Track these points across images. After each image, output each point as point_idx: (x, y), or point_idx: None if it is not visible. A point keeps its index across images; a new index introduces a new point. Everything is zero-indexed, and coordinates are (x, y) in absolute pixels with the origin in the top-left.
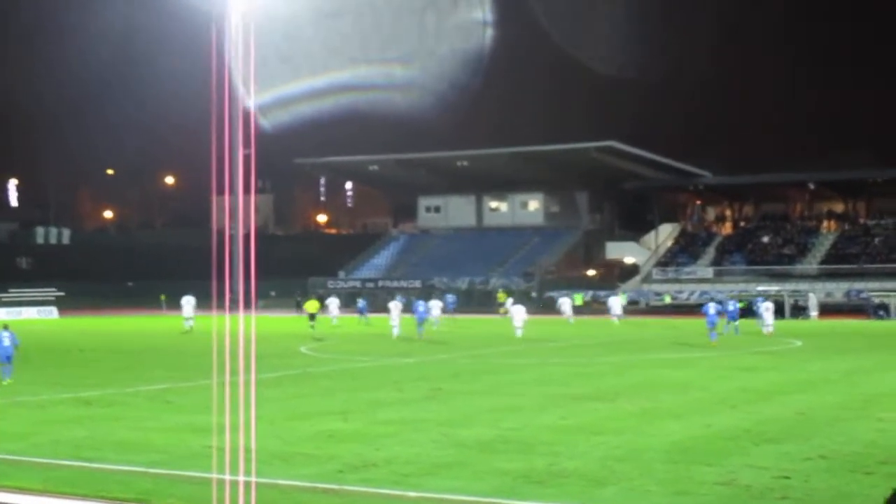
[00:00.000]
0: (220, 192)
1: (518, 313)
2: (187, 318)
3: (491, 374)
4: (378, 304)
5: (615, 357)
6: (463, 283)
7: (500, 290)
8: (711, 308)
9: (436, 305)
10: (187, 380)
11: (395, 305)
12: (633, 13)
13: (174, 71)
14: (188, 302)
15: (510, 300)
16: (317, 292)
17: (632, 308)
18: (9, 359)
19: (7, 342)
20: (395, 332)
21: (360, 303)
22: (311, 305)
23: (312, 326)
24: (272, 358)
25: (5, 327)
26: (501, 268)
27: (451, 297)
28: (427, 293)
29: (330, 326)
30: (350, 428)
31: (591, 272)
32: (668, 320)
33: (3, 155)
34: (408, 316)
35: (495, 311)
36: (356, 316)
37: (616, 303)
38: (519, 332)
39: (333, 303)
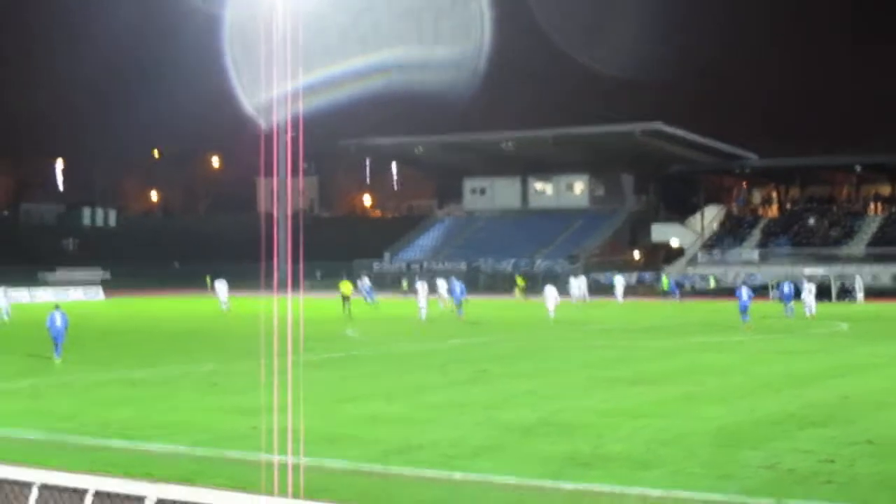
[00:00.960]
0: (267, 174)
1: (551, 295)
2: (223, 301)
3: (534, 357)
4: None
5: (658, 341)
6: (507, 266)
7: (518, 274)
8: (744, 293)
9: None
10: (232, 361)
11: (421, 286)
12: None
13: (220, 53)
14: (222, 284)
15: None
16: (363, 274)
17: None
18: (60, 338)
19: (59, 322)
20: (423, 313)
21: (365, 284)
22: (345, 287)
23: (346, 308)
24: (317, 340)
25: (57, 307)
26: (546, 250)
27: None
28: (473, 276)
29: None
30: (394, 410)
31: (636, 255)
32: (713, 303)
33: (50, 137)
34: (433, 297)
35: (512, 294)
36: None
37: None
38: (551, 314)
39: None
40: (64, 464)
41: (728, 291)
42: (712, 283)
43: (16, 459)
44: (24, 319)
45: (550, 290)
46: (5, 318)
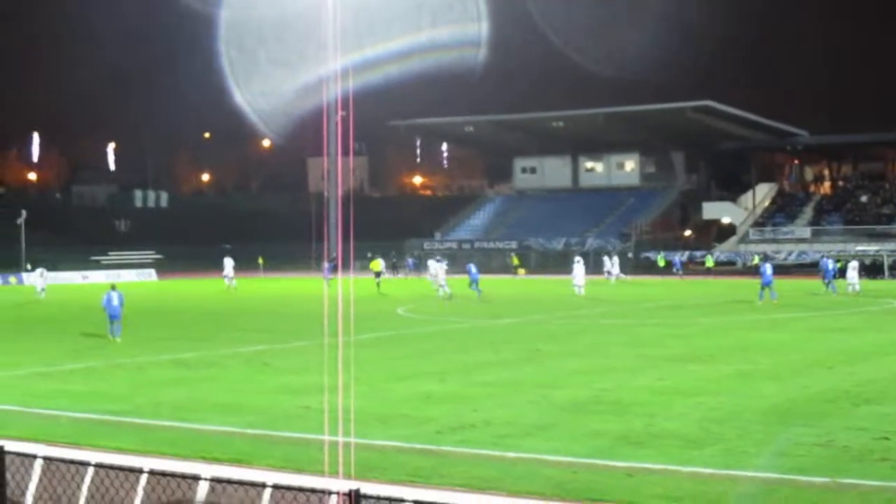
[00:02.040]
0: (318, 154)
1: (579, 272)
2: (229, 278)
3: (586, 335)
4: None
5: (708, 318)
6: (558, 244)
7: (513, 255)
8: (768, 268)
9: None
10: (283, 342)
11: (440, 266)
12: None
13: (268, 35)
14: (228, 263)
15: (577, 258)
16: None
17: (728, 269)
18: (118, 318)
19: (116, 301)
20: (443, 290)
21: (409, 262)
22: (375, 264)
23: (378, 284)
24: (368, 319)
25: (113, 287)
26: (597, 228)
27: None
28: (524, 255)
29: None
30: (447, 389)
31: (687, 232)
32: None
33: (102, 119)
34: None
35: (513, 273)
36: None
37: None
38: (580, 291)
39: (410, 263)
40: (118, 444)
41: (782, 269)
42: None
43: (71, 440)
44: (77, 300)
45: (579, 269)
46: (41, 296)
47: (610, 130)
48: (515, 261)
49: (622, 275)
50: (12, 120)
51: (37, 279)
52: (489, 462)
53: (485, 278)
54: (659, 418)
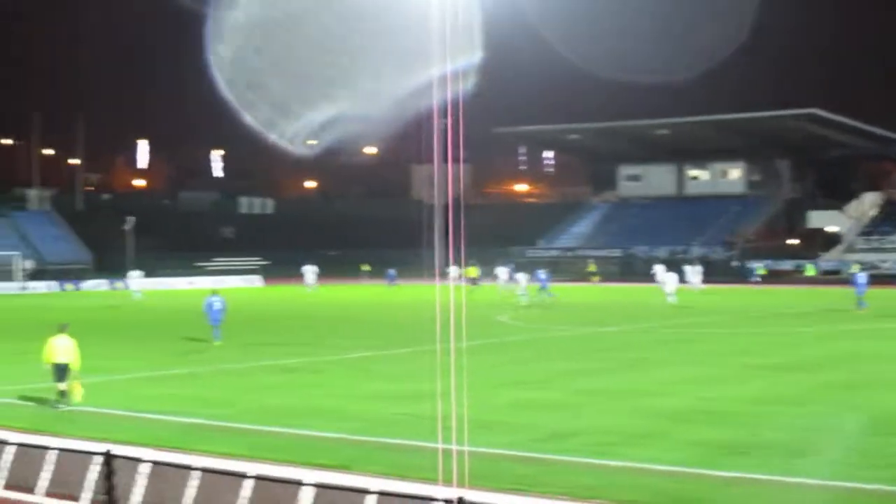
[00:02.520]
0: (422, 161)
1: (671, 281)
2: (310, 286)
3: (690, 344)
4: (579, 274)
5: (811, 327)
6: (663, 252)
7: (591, 262)
8: (861, 277)
9: None
10: (387, 348)
11: (522, 275)
12: None
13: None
14: (310, 271)
15: (662, 267)
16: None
17: (832, 278)
18: (219, 322)
19: (218, 306)
20: (524, 299)
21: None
22: (471, 271)
23: (473, 292)
24: (471, 327)
25: (214, 293)
26: (702, 237)
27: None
28: (626, 263)
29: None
30: (550, 397)
31: (792, 241)
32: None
33: (208, 127)
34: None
35: (588, 280)
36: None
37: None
38: (671, 299)
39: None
40: (223, 449)
41: (886, 278)
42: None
43: (177, 444)
44: (182, 306)
45: (670, 276)
46: (135, 298)
47: (715, 138)
48: (592, 267)
49: (702, 285)
50: (120, 127)
51: (132, 283)
52: (591, 470)
53: (566, 286)
54: (763, 428)
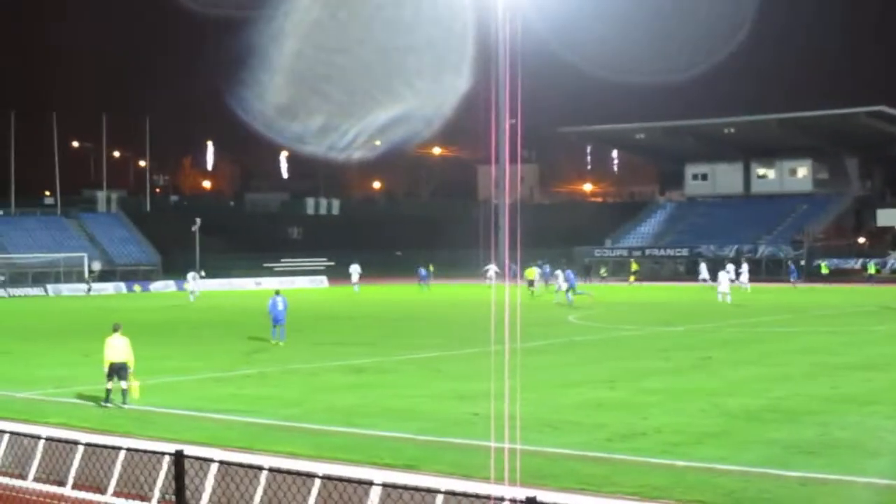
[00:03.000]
0: (488, 161)
1: (724, 280)
2: (354, 284)
3: (758, 343)
4: (646, 273)
5: (882, 325)
6: (730, 251)
7: (633, 260)
8: None
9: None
10: (455, 348)
11: (561, 273)
12: None
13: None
14: (355, 270)
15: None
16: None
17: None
18: (282, 322)
19: (280, 306)
20: (568, 297)
21: (422, 272)
22: (530, 272)
23: (532, 293)
24: (539, 326)
25: (277, 293)
26: (769, 235)
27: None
28: (693, 262)
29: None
30: (617, 396)
31: (860, 239)
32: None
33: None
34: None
35: (626, 279)
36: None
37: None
38: (725, 298)
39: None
40: (291, 449)
41: None
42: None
43: (246, 444)
44: (250, 307)
45: (724, 275)
46: (192, 299)
47: (782, 136)
48: (634, 266)
49: (747, 284)
50: (188, 129)
51: (190, 283)
52: (660, 470)
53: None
54: (833, 427)
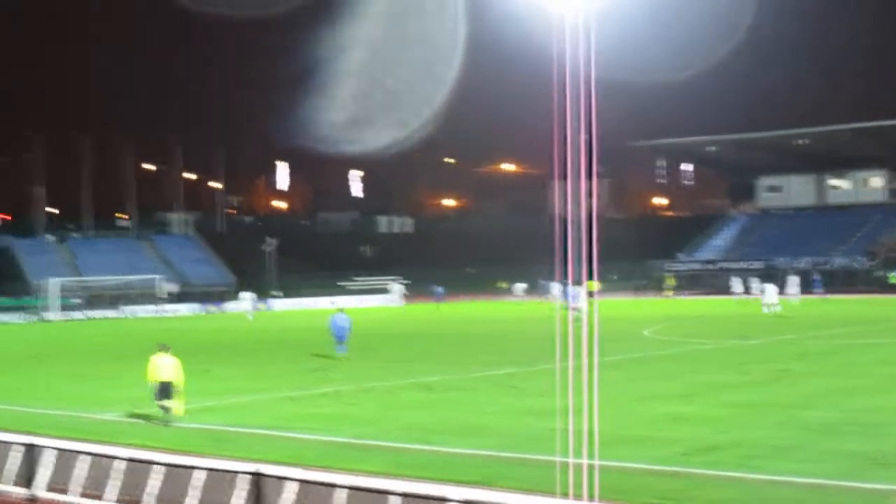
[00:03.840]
0: (560, 177)
1: (770, 292)
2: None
3: (835, 355)
4: (720, 286)
5: None
6: (804, 263)
7: (669, 275)
8: None
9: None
10: (530, 364)
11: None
12: None
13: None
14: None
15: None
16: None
17: None
18: (344, 338)
19: (342, 323)
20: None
21: (438, 290)
22: (591, 285)
23: (589, 303)
24: (614, 341)
25: (340, 310)
26: (843, 247)
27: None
28: (767, 274)
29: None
30: (694, 410)
31: None
32: None
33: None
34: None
35: (663, 293)
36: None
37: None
38: (770, 310)
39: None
40: (369, 467)
41: None
42: None
43: (323, 463)
44: (323, 326)
45: (771, 288)
46: (250, 318)
47: (856, 146)
48: (671, 281)
49: (796, 297)
50: (261, 150)
51: (246, 304)
52: (737, 484)
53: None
54: None
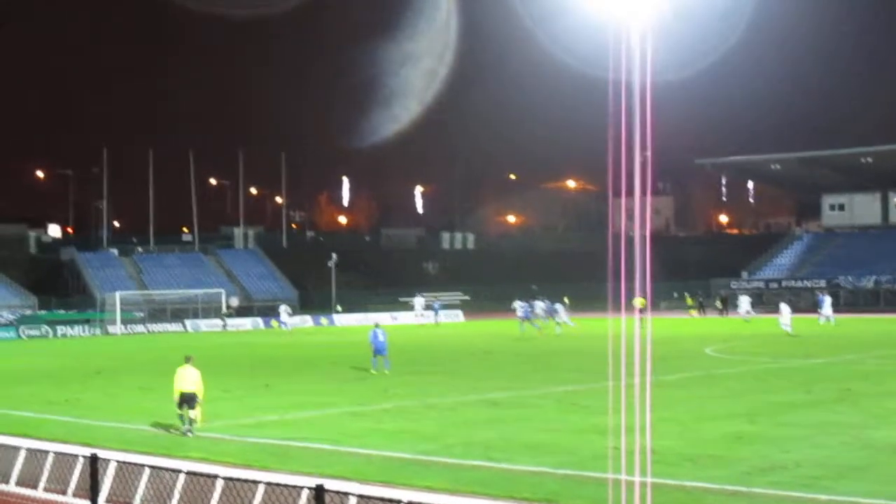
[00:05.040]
0: (619, 195)
1: (785, 312)
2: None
3: (894, 375)
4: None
5: None
6: (869, 282)
7: (688, 295)
8: None
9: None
10: (594, 381)
11: (558, 308)
12: None
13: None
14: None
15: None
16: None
17: None
18: (384, 352)
19: (381, 338)
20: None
21: (435, 305)
22: (640, 302)
23: (642, 321)
24: (676, 359)
25: (377, 325)
26: None
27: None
28: (833, 294)
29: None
30: (757, 430)
31: None
32: None
33: (411, 164)
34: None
35: (687, 313)
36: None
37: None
38: (788, 329)
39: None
40: (430, 483)
41: None
42: None
43: (385, 479)
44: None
45: (785, 307)
46: (286, 328)
47: None
48: (690, 301)
49: (831, 316)
50: (324, 165)
51: (284, 317)
52: None
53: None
54: None
